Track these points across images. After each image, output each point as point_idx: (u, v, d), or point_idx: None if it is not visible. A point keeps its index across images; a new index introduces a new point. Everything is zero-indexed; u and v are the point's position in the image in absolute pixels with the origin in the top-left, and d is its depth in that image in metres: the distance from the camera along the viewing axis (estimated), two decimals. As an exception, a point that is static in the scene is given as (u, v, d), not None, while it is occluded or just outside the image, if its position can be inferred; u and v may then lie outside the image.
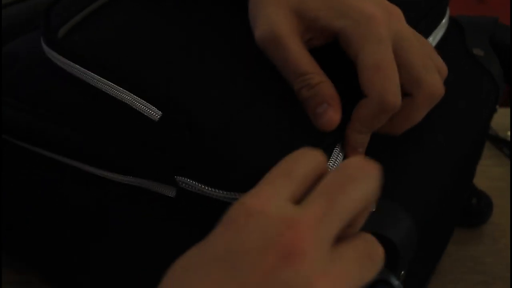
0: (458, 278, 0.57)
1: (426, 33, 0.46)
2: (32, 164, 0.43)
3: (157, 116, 0.37)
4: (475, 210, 0.61)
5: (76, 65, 0.40)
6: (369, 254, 0.29)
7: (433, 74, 0.39)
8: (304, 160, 0.31)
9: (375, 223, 0.34)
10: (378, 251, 0.30)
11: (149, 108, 0.37)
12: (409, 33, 0.39)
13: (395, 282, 0.35)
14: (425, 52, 0.39)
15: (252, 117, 0.36)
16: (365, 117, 0.37)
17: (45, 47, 0.42)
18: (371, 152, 0.39)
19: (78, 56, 0.40)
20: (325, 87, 0.37)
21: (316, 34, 0.39)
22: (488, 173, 0.66)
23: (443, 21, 0.48)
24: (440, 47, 0.47)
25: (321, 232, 0.27)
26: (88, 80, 0.39)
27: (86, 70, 0.39)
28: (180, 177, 0.36)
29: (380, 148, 0.40)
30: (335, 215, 0.28)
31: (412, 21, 0.44)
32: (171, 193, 0.38)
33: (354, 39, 0.37)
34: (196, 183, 0.36)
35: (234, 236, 0.27)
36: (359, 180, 0.30)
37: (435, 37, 0.47)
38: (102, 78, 0.39)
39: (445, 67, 0.41)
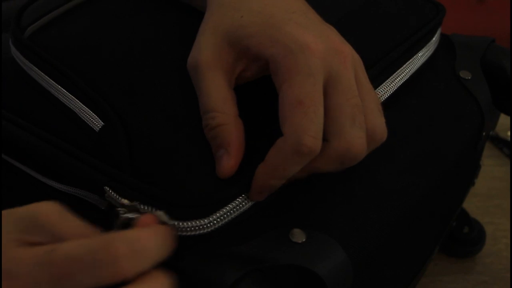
0: (458, 278, 0.57)
1: (413, 51, 0.44)
2: None
3: (98, 127, 0.36)
4: (467, 240, 0.58)
5: (34, 67, 0.39)
6: None
7: (358, 129, 0.34)
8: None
9: (304, 257, 0.32)
10: None
11: (92, 118, 0.36)
12: (350, 79, 0.34)
13: None
14: (359, 104, 0.34)
15: (185, 143, 0.35)
16: (278, 160, 0.33)
17: (11, 46, 0.42)
18: (317, 178, 0.36)
19: (36, 57, 0.39)
20: (226, 131, 0.34)
21: (249, 64, 0.36)
22: (489, 173, 0.67)
23: (433, 39, 0.47)
24: (426, 67, 0.46)
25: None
26: (43, 84, 0.39)
27: (41, 73, 0.39)
28: (107, 188, 0.34)
29: (329, 174, 0.37)
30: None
31: (398, 38, 0.44)
32: (103, 206, 0.36)
33: (281, 68, 0.33)
34: (118, 197, 0.34)
35: None
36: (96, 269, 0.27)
37: (422, 56, 0.46)
38: (55, 82, 0.38)
39: (381, 130, 0.36)
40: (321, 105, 0.33)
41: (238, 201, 0.34)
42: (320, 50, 0.33)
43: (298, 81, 0.33)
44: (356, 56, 0.36)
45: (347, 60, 0.35)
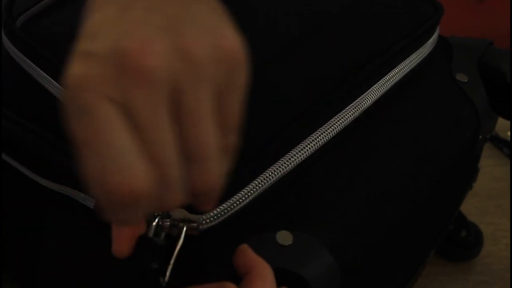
0: (458, 278, 0.57)
1: (409, 51, 0.44)
2: None
3: None
4: (465, 243, 0.58)
5: (26, 59, 0.39)
6: None
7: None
8: None
9: (290, 259, 0.32)
10: None
11: None
12: (151, 106, 0.24)
13: None
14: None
15: None
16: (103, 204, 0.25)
17: (3, 37, 0.41)
18: (311, 179, 0.36)
19: (28, 48, 0.39)
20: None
21: None
22: (489, 173, 0.67)
23: (430, 39, 0.46)
24: (423, 68, 0.46)
25: None
26: (34, 75, 0.38)
27: (33, 65, 0.38)
28: None
29: (320, 176, 0.37)
30: None
31: (393, 37, 0.44)
32: (92, 204, 0.35)
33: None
34: None
35: None
36: None
37: (419, 56, 0.45)
38: (44, 73, 0.38)
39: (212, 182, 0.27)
40: (118, 133, 0.24)
41: (225, 205, 0.33)
42: (92, 76, 0.24)
43: (74, 121, 0.25)
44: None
45: (149, 87, 0.24)
